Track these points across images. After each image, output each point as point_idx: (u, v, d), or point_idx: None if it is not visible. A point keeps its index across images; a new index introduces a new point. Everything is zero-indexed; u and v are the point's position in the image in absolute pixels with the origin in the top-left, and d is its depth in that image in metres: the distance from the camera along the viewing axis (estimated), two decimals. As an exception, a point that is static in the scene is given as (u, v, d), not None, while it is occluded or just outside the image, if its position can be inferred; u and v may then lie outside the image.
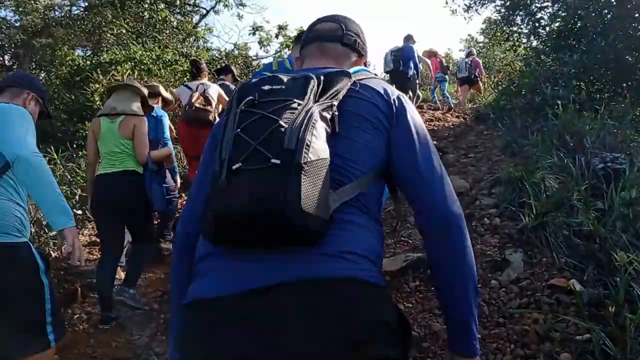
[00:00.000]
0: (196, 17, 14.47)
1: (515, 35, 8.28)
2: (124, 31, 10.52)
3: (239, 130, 1.03)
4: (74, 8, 12.93)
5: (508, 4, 6.76)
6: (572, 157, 4.67)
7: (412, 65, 9.08)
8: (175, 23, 12.21)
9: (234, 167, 0.99)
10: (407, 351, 1.11)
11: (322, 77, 1.13)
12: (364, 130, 1.15)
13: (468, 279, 1.13)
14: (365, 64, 1.44)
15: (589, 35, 6.69)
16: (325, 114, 1.08)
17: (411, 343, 1.16)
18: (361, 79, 1.23)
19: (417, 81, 9.84)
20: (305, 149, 0.97)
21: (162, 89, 4.75)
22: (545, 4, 6.85)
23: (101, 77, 7.86)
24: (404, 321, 1.11)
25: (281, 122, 1.00)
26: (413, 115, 1.22)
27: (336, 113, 1.11)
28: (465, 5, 6.63)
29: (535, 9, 7.15)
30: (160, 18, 11.34)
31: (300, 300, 0.96)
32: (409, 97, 9.53)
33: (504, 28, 8.19)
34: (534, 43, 7.63)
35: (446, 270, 1.14)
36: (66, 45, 10.45)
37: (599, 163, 4.10)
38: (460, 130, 8.51)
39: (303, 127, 1.00)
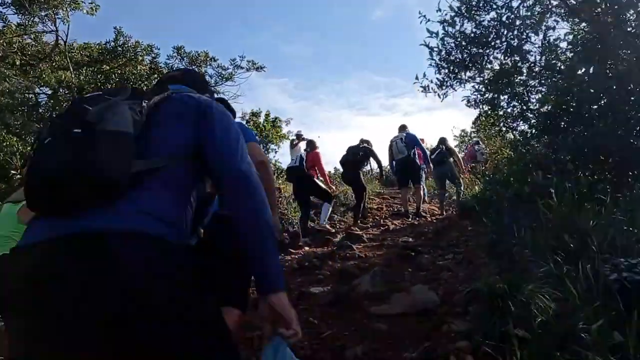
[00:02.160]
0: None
1: (502, 119, 7.42)
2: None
3: (56, 119, 1.34)
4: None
5: (487, 81, 5.95)
6: (573, 263, 3.59)
7: (415, 152, 9.16)
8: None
9: (45, 141, 1.24)
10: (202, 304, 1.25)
11: (139, 89, 1.52)
12: (174, 121, 1.42)
13: (260, 219, 1.37)
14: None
15: (584, 116, 5.83)
16: (134, 106, 1.33)
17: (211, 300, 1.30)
18: (179, 91, 1.56)
19: (425, 171, 9.88)
20: (105, 121, 1.22)
21: None
22: (532, 82, 6.04)
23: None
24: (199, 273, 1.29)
25: (86, 106, 1.27)
26: (218, 111, 1.51)
27: (145, 107, 1.36)
28: (439, 80, 5.78)
29: (522, 90, 6.35)
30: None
31: (80, 250, 1.11)
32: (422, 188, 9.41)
33: (489, 112, 7.34)
34: (523, 127, 6.76)
35: (243, 218, 1.38)
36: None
37: (610, 273, 3.03)
38: (443, 226, 7.46)
39: (104, 107, 1.26)
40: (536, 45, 5.81)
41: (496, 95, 6.96)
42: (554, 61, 5.69)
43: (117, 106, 1.28)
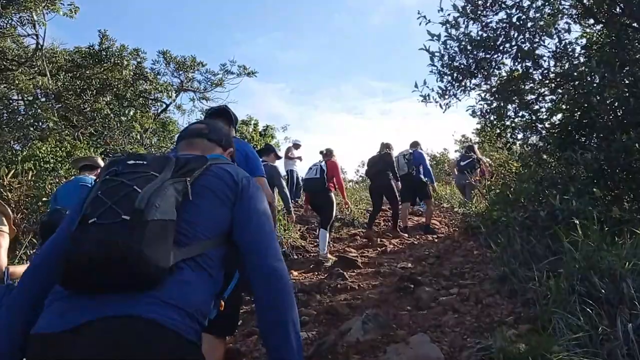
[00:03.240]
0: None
1: (509, 130, 6.79)
2: (50, 124, 9.22)
3: (99, 192, 1.29)
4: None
5: (495, 89, 5.32)
6: (607, 315, 2.98)
7: (422, 171, 9.09)
8: (123, 117, 10.96)
9: (89, 221, 1.22)
10: None
11: (181, 159, 1.47)
12: (212, 202, 1.44)
13: (287, 311, 1.39)
14: (231, 154, 1.87)
15: (603, 129, 5.21)
16: (177, 186, 1.35)
17: None
18: (217, 163, 1.57)
19: (430, 188, 9.71)
20: (153, 209, 1.23)
21: (100, 161, 4.70)
22: (544, 90, 5.41)
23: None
24: None
25: (135, 187, 1.27)
26: (254, 193, 1.54)
27: (188, 186, 1.38)
28: (440, 89, 5.14)
29: (532, 99, 5.74)
30: (103, 113, 10.09)
31: (101, 334, 1.14)
32: (429, 203, 9.23)
33: (494, 122, 6.71)
34: (532, 139, 6.14)
35: (270, 312, 1.39)
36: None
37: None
38: (445, 248, 6.81)
39: (153, 192, 1.27)
40: (550, 50, 5.19)
41: (502, 104, 6.34)
42: (569, 67, 5.05)
43: (164, 190, 1.30)
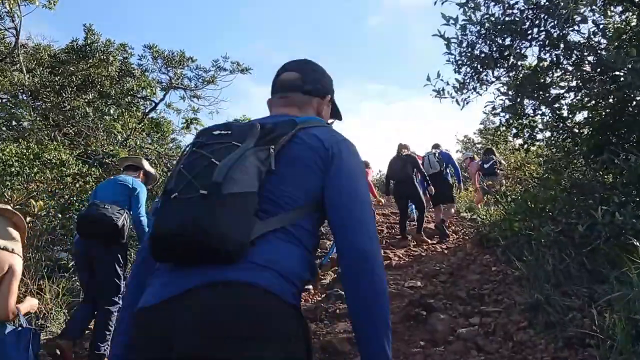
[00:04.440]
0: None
1: (527, 129, 6.10)
2: (25, 124, 8.51)
3: (182, 166, 1.28)
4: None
5: (519, 82, 4.60)
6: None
7: (448, 172, 9.01)
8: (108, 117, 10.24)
9: (172, 196, 1.22)
10: None
11: (267, 126, 1.35)
12: (299, 170, 1.32)
13: (380, 307, 1.23)
14: (331, 99, 1.68)
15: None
16: (261, 155, 1.26)
17: None
18: (307, 127, 1.39)
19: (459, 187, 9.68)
20: (232, 182, 1.17)
21: (145, 163, 4.69)
22: (573, 82, 4.70)
23: None
24: (303, 340, 1.22)
25: (213, 160, 1.22)
26: (347, 157, 1.36)
27: (272, 155, 1.27)
28: (458, 82, 4.41)
29: (557, 94, 5.04)
30: (82, 111, 9.36)
31: (203, 300, 1.12)
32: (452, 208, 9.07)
33: (510, 121, 6.03)
34: (558, 138, 5.44)
35: (360, 302, 1.24)
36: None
37: None
38: (458, 263, 6.08)
39: (232, 164, 1.20)
40: (583, 35, 4.47)
41: (519, 100, 5.61)
42: (606, 55, 4.33)
43: (245, 161, 1.23)
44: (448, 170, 9.02)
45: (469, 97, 4.67)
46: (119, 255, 3.98)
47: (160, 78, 12.60)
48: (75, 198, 7.10)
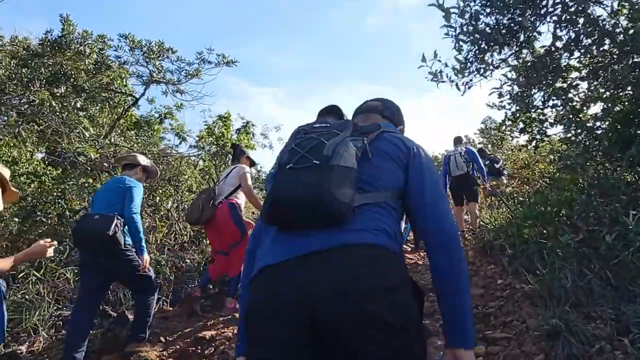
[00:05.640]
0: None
1: (536, 124, 5.48)
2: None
3: (293, 145, 1.52)
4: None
5: (530, 64, 3.94)
6: None
7: (474, 170, 8.11)
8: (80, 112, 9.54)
9: (287, 167, 1.45)
10: (421, 308, 1.46)
11: (358, 125, 1.66)
12: (387, 161, 1.56)
13: (461, 277, 1.43)
14: (401, 130, 1.97)
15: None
16: (357, 143, 1.53)
17: (422, 305, 1.49)
18: (389, 131, 1.69)
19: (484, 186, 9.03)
20: (338, 156, 1.42)
21: (140, 158, 4.63)
22: (593, 65, 4.05)
23: None
24: (415, 284, 1.45)
25: (322, 139, 1.49)
26: (425, 158, 1.61)
27: (366, 144, 1.54)
28: (459, 62, 3.73)
29: (572, 80, 4.40)
30: (47, 105, 8.67)
31: (335, 259, 1.30)
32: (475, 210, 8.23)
33: (517, 114, 5.41)
34: (571, 133, 4.79)
35: (445, 275, 1.44)
36: None
37: None
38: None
39: (338, 143, 1.47)
40: (606, 7, 3.82)
41: (526, 90, 4.96)
42: (634, 34, 3.68)
43: (347, 143, 1.49)
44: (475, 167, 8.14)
45: (471, 80, 3.99)
46: (127, 252, 3.96)
47: (140, 71, 11.94)
48: (37, 201, 6.42)
